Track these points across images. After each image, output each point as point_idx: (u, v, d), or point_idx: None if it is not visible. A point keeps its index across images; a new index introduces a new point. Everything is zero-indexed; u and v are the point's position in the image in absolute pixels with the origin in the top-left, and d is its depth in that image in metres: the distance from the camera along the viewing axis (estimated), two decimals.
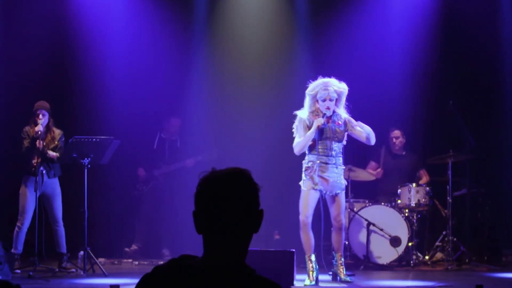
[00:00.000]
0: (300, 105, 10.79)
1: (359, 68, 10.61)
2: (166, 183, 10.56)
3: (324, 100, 7.45)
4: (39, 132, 8.50)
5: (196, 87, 11.16)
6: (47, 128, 8.66)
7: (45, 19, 10.60)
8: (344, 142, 7.67)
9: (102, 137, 8.86)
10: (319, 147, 7.45)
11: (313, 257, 7.51)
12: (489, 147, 10.43)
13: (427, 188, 9.65)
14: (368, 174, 10.02)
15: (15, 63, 10.57)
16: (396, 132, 10.23)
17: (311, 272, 7.45)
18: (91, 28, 10.84)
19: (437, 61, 10.83)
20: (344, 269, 7.72)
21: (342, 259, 7.70)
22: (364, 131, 7.59)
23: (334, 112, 7.52)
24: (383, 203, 9.59)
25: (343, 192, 7.67)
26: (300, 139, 7.51)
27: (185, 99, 11.08)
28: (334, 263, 7.69)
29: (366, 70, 10.70)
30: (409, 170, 10.19)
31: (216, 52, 11.34)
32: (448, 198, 9.63)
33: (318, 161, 7.45)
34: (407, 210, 9.62)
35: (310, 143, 7.47)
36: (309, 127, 7.47)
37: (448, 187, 9.64)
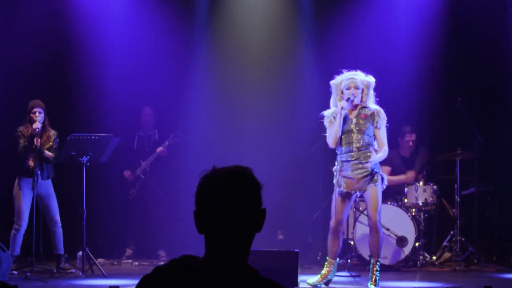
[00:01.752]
0: (304, 102, 10.80)
1: (365, 65, 10.53)
2: (151, 180, 10.52)
3: (348, 88, 7.21)
4: (37, 130, 8.50)
5: (198, 84, 11.15)
6: (43, 127, 8.65)
7: (43, 15, 10.59)
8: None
9: (101, 134, 8.87)
10: (343, 143, 7.21)
11: (334, 262, 7.40)
12: (498, 145, 10.41)
13: (435, 186, 9.63)
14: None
15: (12, 61, 10.54)
16: (413, 136, 10.17)
17: (324, 274, 7.40)
18: (90, 24, 10.82)
19: (444, 57, 10.80)
20: (377, 277, 7.26)
21: (377, 267, 7.26)
22: (382, 150, 7.27)
23: (363, 106, 7.28)
24: (389, 202, 9.56)
25: (375, 186, 7.20)
26: (330, 131, 7.26)
27: (186, 97, 11.07)
28: (369, 269, 7.36)
29: (371, 67, 10.62)
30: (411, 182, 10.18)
31: (218, 49, 11.32)
32: (456, 197, 9.62)
33: (340, 161, 7.22)
34: (414, 210, 9.60)
35: (339, 132, 7.16)
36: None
37: (456, 185, 9.63)
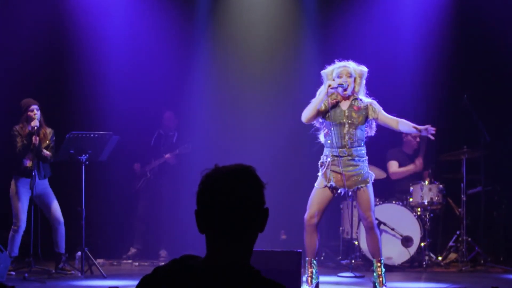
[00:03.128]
0: (307, 100, 10.74)
1: (369, 61, 10.55)
2: (157, 179, 10.57)
3: (340, 77, 7.04)
4: (36, 128, 8.49)
5: (199, 82, 11.14)
6: (40, 125, 8.63)
7: (41, 11, 10.57)
8: (371, 133, 7.18)
9: (101, 132, 8.86)
10: (333, 136, 7.00)
11: (314, 262, 7.21)
12: (505, 143, 10.41)
13: (440, 185, 9.62)
14: (379, 171, 9.95)
15: (8, 58, 10.49)
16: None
17: (310, 278, 7.20)
18: (90, 21, 10.81)
19: (451, 53, 10.78)
20: (384, 278, 7.08)
21: (382, 267, 7.10)
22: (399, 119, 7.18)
23: (355, 97, 7.10)
24: (394, 202, 9.56)
25: (369, 185, 7.02)
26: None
27: (187, 94, 11.07)
28: (374, 270, 7.17)
29: (376, 64, 10.63)
30: (420, 169, 10.18)
31: (220, 45, 11.31)
32: (462, 196, 9.61)
33: (331, 154, 7.00)
34: (419, 209, 9.60)
35: (318, 108, 7.01)
36: (324, 110, 7.06)
37: (462, 184, 9.63)
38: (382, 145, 10.20)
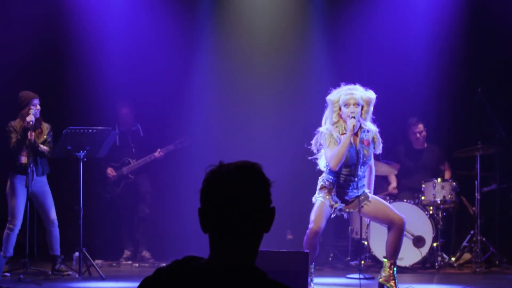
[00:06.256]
0: (314, 97, 10.79)
1: (379, 55, 10.57)
2: (139, 179, 10.47)
3: (347, 105, 6.83)
4: (31, 123, 8.48)
5: (202, 77, 11.13)
6: (37, 120, 8.63)
7: (39, 3, 10.56)
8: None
9: (99, 128, 8.86)
10: (342, 170, 6.94)
11: (311, 268, 7.21)
12: None
13: (454, 183, 9.61)
14: (388, 168, 9.94)
15: (4, 52, 10.48)
16: (420, 126, 10.16)
17: None
18: (89, 14, 10.80)
19: (464, 46, 10.76)
20: (396, 282, 7.01)
21: (395, 269, 7.04)
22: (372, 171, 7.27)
23: (361, 127, 6.97)
24: (405, 200, 9.55)
25: (372, 196, 7.10)
26: (335, 150, 6.83)
27: (189, 89, 11.06)
28: (382, 272, 7.12)
29: (387, 58, 10.65)
30: (433, 164, 10.17)
31: (224, 40, 11.29)
32: (476, 194, 9.60)
33: (336, 184, 6.99)
34: (431, 208, 9.59)
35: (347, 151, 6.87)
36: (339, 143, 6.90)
37: (476, 182, 9.62)
38: (392, 141, 10.23)
